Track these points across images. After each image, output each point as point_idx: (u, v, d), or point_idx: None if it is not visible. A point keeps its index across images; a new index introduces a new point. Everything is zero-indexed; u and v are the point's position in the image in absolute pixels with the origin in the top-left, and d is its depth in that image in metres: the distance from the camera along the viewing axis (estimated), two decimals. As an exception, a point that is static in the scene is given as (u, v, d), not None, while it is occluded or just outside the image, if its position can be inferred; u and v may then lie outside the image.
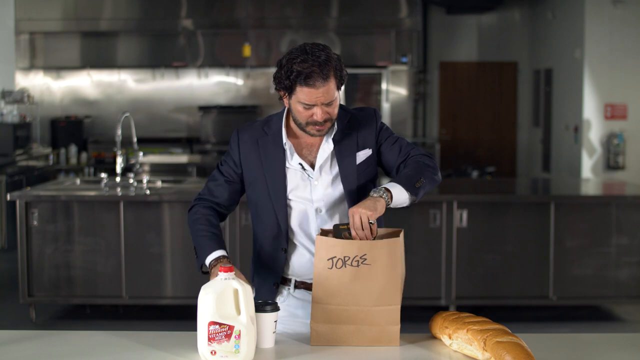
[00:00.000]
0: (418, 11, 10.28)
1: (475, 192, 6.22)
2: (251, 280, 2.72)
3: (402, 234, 2.47)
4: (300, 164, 2.60)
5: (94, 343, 2.38)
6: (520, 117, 11.76)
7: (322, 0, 10.14)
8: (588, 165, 9.40)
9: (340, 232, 2.41)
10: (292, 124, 2.63)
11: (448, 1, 10.97)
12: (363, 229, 2.38)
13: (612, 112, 9.33)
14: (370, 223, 2.38)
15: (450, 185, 6.91)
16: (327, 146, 2.61)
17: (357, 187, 2.61)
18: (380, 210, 2.42)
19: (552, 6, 10.48)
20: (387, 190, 2.46)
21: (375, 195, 2.45)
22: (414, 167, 2.57)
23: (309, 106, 2.49)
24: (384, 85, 10.77)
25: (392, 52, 10.19)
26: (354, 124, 2.65)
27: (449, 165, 10.85)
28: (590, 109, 9.36)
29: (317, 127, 2.53)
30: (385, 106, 10.74)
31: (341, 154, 2.62)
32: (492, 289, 5.79)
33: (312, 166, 2.62)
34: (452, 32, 11.62)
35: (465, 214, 5.68)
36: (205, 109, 10.42)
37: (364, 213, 2.37)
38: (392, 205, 2.49)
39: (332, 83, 2.48)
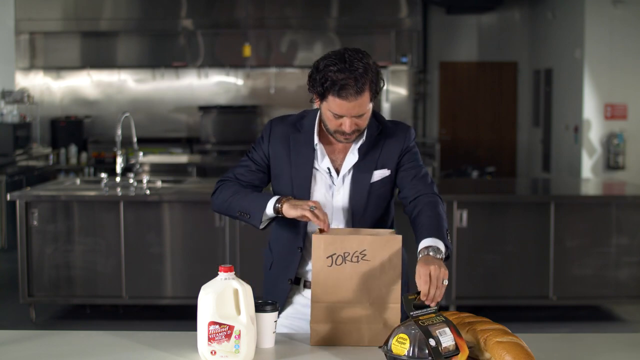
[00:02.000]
0: (418, 11, 10.28)
1: (475, 192, 6.22)
2: (265, 274, 2.74)
3: (400, 238, 2.44)
4: (328, 168, 2.61)
5: (94, 343, 2.38)
6: (520, 117, 11.76)
7: (322, 0, 10.15)
8: (588, 165, 9.40)
9: (410, 302, 2.19)
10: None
11: (448, 1, 10.97)
12: (437, 287, 2.23)
13: (612, 112, 9.33)
14: (444, 282, 2.26)
15: (450, 185, 6.91)
16: (352, 157, 2.60)
17: (365, 205, 2.60)
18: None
19: (552, 6, 10.48)
20: (439, 249, 2.37)
21: (436, 255, 2.34)
22: (437, 212, 2.50)
23: (338, 116, 2.48)
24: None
25: (392, 52, 10.19)
26: (382, 139, 2.63)
27: (449, 165, 10.85)
28: (590, 109, 9.36)
29: (344, 136, 2.53)
30: (385, 106, 10.74)
31: (359, 169, 2.61)
32: (492, 289, 5.79)
33: (337, 172, 2.63)
34: (452, 32, 11.62)
35: (465, 214, 5.68)
36: (205, 109, 10.42)
37: (441, 272, 2.24)
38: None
39: (365, 96, 2.45)
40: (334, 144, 2.62)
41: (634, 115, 9.34)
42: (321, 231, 2.47)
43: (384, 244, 2.37)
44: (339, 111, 2.46)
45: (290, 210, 2.48)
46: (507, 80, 11.76)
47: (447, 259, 2.42)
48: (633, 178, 8.89)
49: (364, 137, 2.59)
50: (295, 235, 2.63)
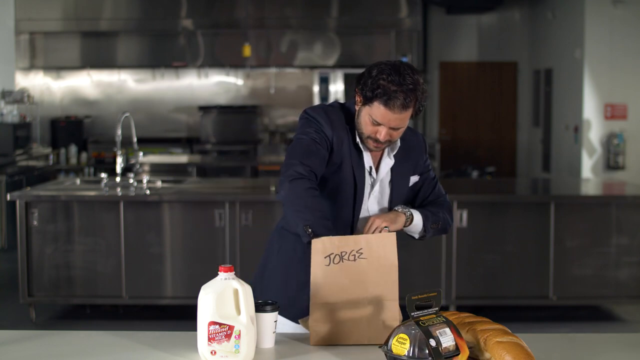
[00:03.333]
0: (418, 11, 10.28)
1: (475, 192, 6.22)
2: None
3: (394, 236, 2.46)
4: (370, 167, 2.63)
5: (94, 343, 2.38)
6: (520, 117, 11.76)
7: (322, 0, 10.15)
8: (588, 165, 9.40)
9: (412, 303, 2.19)
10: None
11: (448, 1, 10.97)
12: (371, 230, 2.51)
13: (612, 112, 9.33)
14: (385, 227, 2.52)
15: (450, 185, 6.91)
16: (389, 161, 2.65)
17: None
18: (399, 225, 2.57)
19: (552, 6, 10.48)
20: (412, 213, 2.62)
21: (399, 210, 2.61)
22: (439, 210, 2.70)
23: (377, 123, 2.52)
24: (384, 85, 10.75)
25: (392, 52, 10.19)
26: (407, 145, 2.69)
27: (449, 165, 10.85)
28: (590, 109, 9.36)
29: (376, 143, 2.56)
30: (385, 106, 10.73)
31: (398, 173, 2.67)
32: (492, 289, 5.79)
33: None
34: (452, 32, 11.62)
35: (465, 214, 5.68)
36: (205, 109, 10.43)
37: (382, 224, 2.52)
38: (405, 228, 2.62)
39: (409, 112, 2.51)
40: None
41: (634, 115, 9.34)
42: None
43: (379, 242, 2.39)
44: (380, 119, 2.50)
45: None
46: (507, 80, 11.76)
47: (422, 238, 2.69)
48: (633, 178, 8.89)
49: (399, 145, 2.65)
50: (345, 228, 2.60)
